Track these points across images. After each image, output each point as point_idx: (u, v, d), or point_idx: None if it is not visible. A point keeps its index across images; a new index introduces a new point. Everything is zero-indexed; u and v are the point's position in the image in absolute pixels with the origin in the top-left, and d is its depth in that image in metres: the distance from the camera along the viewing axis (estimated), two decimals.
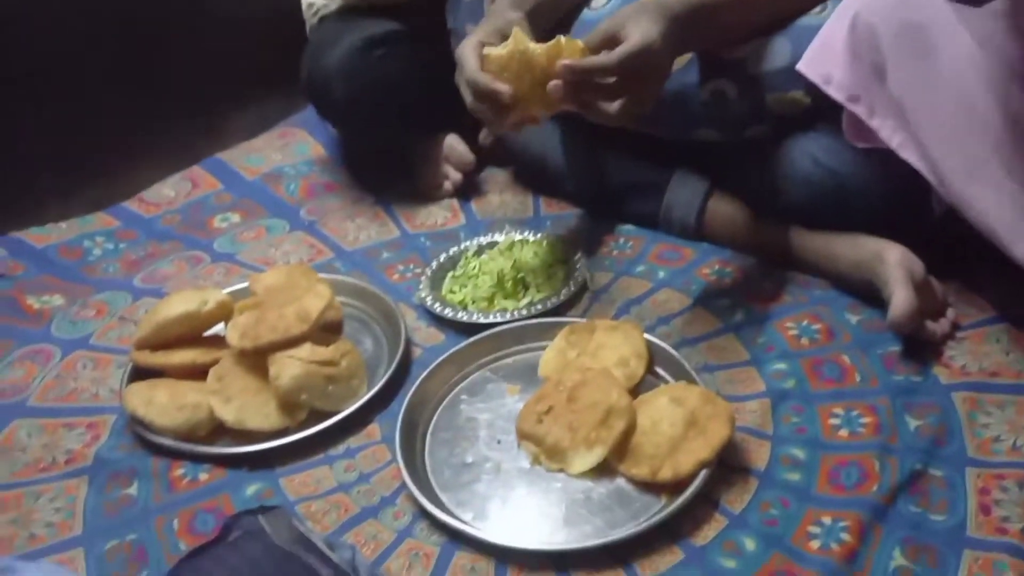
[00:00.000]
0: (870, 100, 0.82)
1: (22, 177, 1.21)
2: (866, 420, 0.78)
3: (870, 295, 0.90)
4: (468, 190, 1.21)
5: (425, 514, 0.74)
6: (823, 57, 0.85)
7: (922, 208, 0.88)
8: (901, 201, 0.88)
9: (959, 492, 0.71)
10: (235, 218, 1.21)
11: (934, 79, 0.77)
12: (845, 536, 0.68)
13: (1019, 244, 0.77)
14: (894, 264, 0.85)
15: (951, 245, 0.87)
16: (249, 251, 1.14)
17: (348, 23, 1.15)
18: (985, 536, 0.67)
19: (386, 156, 1.27)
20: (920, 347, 0.85)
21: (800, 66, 0.86)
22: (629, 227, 1.09)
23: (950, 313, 0.88)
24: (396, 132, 1.19)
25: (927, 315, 0.86)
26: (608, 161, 1.08)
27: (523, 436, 0.79)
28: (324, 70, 1.11)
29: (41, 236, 1.19)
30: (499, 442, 0.80)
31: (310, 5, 1.26)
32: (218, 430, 0.83)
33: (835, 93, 0.84)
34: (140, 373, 0.89)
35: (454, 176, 1.19)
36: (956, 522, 0.69)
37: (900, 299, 0.83)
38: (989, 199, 0.78)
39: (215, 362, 0.86)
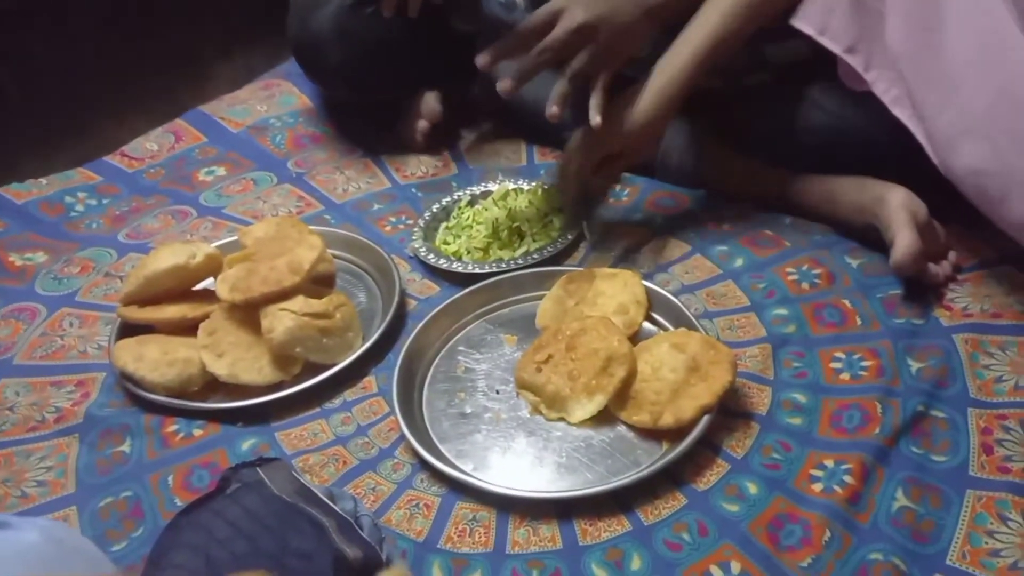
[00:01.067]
0: (867, 51, 0.80)
1: (2, 134, 1.17)
2: (868, 363, 0.78)
3: (870, 239, 0.89)
4: (451, 138, 1.18)
5: (425, 465, 0.73)
6: (818, 7, 0.82)
7: (923, 150, 0.86)
8: (902, 143, 0.86)
9: (961, 433, 0.71)
10: (221, 171, 1.18)
11: (937, 33, 0.75)
12: (848, 478, 0.68)
13: (1005, 209, 0.76)
14: (897, 206, 0.84)
15: (952, 187, 0.85)
16: (236, 204, 1.11)
17: None
18: (988, 476, 0.67)
19: (373, 107, 1.24)
20: (921, 290, 0.85)
21: (794, 21, 0.83)
22: (625, 174, 1.06)
23: (952, 255, 0.87)
24: (389, 91, 1.16)
25: (929, 257, 0.85)
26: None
27: (522, 386, 0.78)
28: (315, 33, 1.07)
29: (21, 192, 1.15)
30: (498, 392, 0.79)
31: None
32: (211, 385, 0.82)
33: (830, 44, 0.81)
34: (128, 329, 0.87)
35: (422, 126, 1.16)
36: (958, 462, 0.68)
37: (904, 241, 0.82)
38: (977, 161, 0.76)
39: (205, 316, 0.84)
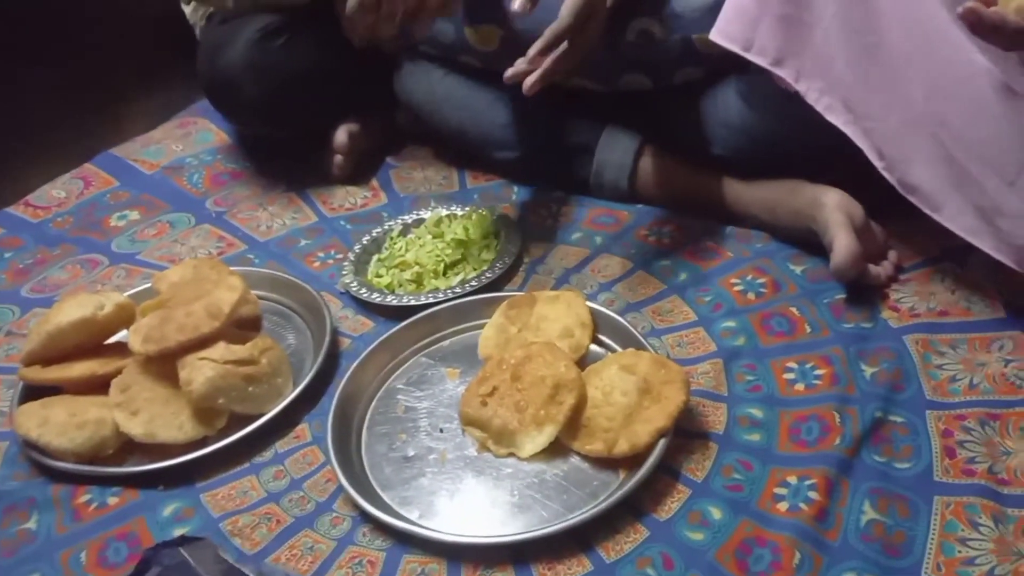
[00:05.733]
0: (796, 62, 0.79)
1: None
2: (821, 372, 0.76)
3: (812, 243, 0.88)
4: (379, 167, 1.14)
5: (366, 517, 0.67)
6: (739, 21, 0.80)
7: (858, 150, 0.85)
8: (837, 141, 0.86)
9: (922, 437, 0.69)
10: (134, 215, 1.11)
11: (873, 35, 0.75)
12: (813, 494, 0.65)
13: (948, 209, 0.77)
14: (833, 209, 0.83)
15: (888, 187, 0.85)
16: (151, 250, 1.04)
17: (239, 19, 1.07)
18: (953, 480, 0.65)
19: (296, 140, 1.19)
20: (867, 292, 0.83)
21: (714, 36, 0.82)
22: (560, 193, 1.04)
23: (892, 255, 0.87)
24: (307, 125, 1.12)
25: (869, 259, 0.84)
26: (535, 125, 1.03)
27: (467, 422, 0.73)
28: (226, 69, 1.03)
29: None
30: (442, 431, 0.74)
31: (195, 8, 1.17)
32: (127, 447, 0.75)
33: (758, 58, 0.80)
34: (34, 392, 0.79)
35: (336, 159, 1.12)
36: (922, 468, 0.66)
37: (841, 244, 0.80)
38: (922, 161, 0.76)
39: (118, 372, 0.77)
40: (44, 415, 0.74)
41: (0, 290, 1.00)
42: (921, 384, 0.73)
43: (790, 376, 0.76)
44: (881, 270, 0.84)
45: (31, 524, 0.70)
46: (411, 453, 0.73)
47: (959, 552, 0.60)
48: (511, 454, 0.71)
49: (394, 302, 0.88)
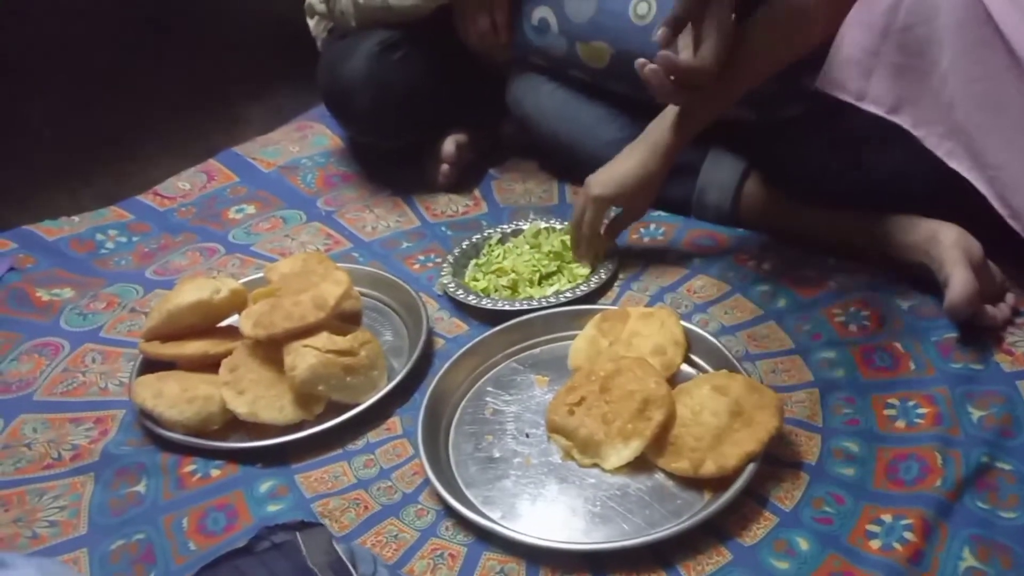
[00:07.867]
0: (913, 109, 0.76)
1: (36, 172, 1.18)
2: (924, 410, 0.73)
3: (922, 280, 0.84)
4: (481, 177, 1.17)
5: (450, 512, 0.69)
6: (849, 71, 0.78)
7: (971, 188, 0.81)
8: (951, 179, 0.83)
9: None
10: (250, 209, 1.18)
11: (992, 81, 0.72)
12: (908, 535, 0.62)
13: None
14: (950, 245, 0.80)
15: (1006, 226, 0.81)
16: (264, 242, 1.10)
17: (359, 33, 1.12)
18: None
19: (404, 147, 1.23)
20: (978, 334, 0.80)
21: (824, 87, 0.80)
22: (660, 213, 1.04)
23: (1010, 298, 0.83)
24: (417, 134, 1.16)
25: (986, 299, 0.80)
26: None
27: (553, 429, 0.74)
28: (344, 81, 1.08)
29: (53, 229, 1.15)
30: (528, 436, 0.75)
31: (318, 22, 1.23)
32: (231, 424, 0.79)
33: (873, 108, 0.78)
34: (151, 366, 0.85)
35: (443, 168, 1.16)
36: None
37: (958, 281, 0.77)
38: None
39: (228, 353, 0.82)
40: (159, 388, 0.80)
41: (126, 271, 1.07)
42: None
43: (891, 412, 0.73)
44: (998, 312, 0.81)
45: (140, 488, 0.75)
46: (496, 455, 0.74)
47: None
48: (595, 465, 0.71)
49: (489, 306, 0.90)
